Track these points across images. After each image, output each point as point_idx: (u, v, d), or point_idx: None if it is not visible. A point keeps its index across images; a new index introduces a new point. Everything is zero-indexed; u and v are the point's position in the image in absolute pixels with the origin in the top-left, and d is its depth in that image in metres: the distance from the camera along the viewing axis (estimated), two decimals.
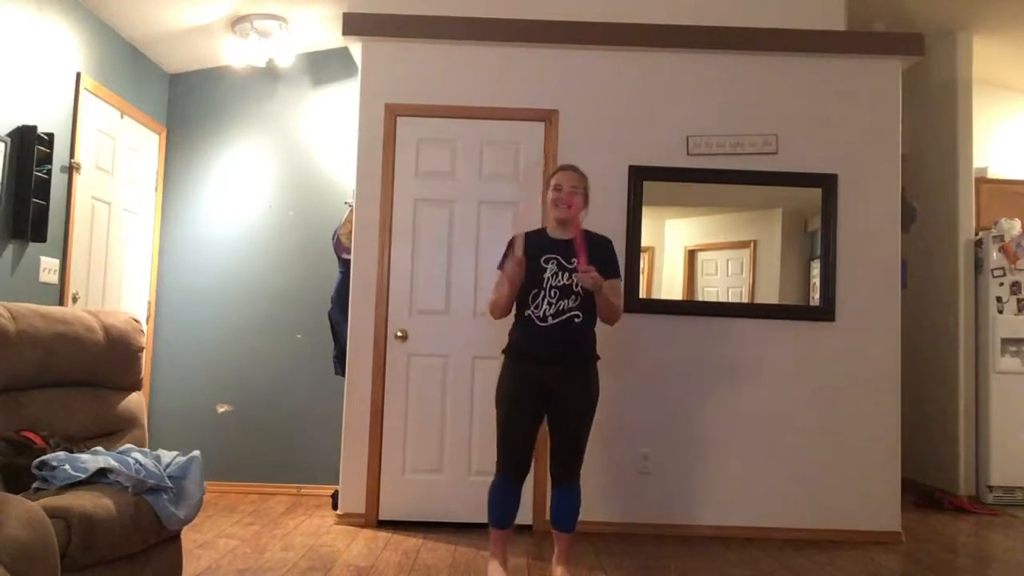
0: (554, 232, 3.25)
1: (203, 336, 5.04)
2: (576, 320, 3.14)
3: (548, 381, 3.15)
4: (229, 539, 3.81)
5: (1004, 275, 5.32)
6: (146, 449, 2.72)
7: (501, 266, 3.24)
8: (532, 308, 3.15)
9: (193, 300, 5.06)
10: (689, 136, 4.34)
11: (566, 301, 3.13)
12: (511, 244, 3.24)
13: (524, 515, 4.18)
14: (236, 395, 5.02)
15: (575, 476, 3.23)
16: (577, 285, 3.11)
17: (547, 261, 3.16)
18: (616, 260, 3.29)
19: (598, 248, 3.19)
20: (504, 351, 3.31)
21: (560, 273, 3.14)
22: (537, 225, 4.28)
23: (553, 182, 3.27)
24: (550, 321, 3.13)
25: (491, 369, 4.25)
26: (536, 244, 3.20)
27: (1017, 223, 5.36)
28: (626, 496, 4.22)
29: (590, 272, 3.02)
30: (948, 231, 5.54)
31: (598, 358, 3.27)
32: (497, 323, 4.26)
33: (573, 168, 3.32)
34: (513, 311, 3.27)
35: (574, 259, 3.09)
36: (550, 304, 3.13)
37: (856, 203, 4.34)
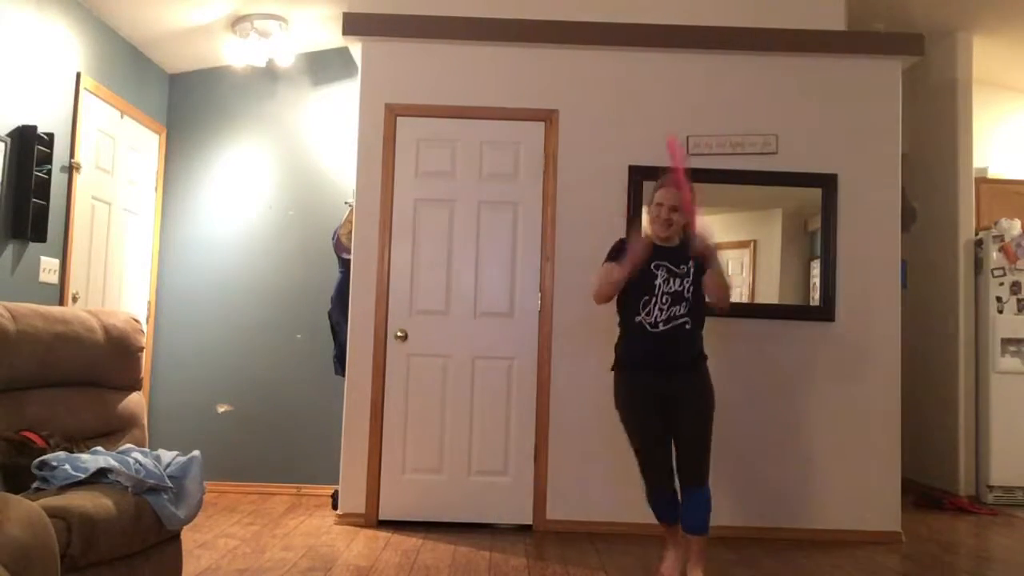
0: (660, 241, 3.24)
1: (203, 336, 5.04)
2: (687, 327, 3.16)
3: (663, 387, 3.16)
4: (229, 539, 3.81)
5: (1004, 275, 5.32)
6: (146, 449, 2.72)
7: (612, 258, 3.23)
8: (643, 315, 3.16)
9: (193, 300, 5.06)
10: (689, 136, 4.34)
11: (677, 307, 3.15)
12: (619, 247, 3.25)
13: (524, 515, 4.19)
14: (236, 395, 5.02)
15: (704, 479, 3.18)
16: (688, 291, 3.14)
17: (657, 268, 3.17)
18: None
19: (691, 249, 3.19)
20: (614, 366, 3.30)
21: (671, 279, 3.16)
22: (537, 226, 4.32)
23: (656, 198, 3.23)
24: (661, 327, 3.14)
25: (491, 369, 4.26)
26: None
27: (1017, 223, 5.36)
28: (627, 496, 4.21)
29: (702, 237, 3.08)
30: (948, 231, 5.54)
31: (706, 357, 3.27)
32: (498, 325, 4.29)
33: (671, 184, 3.22)
34: (618, 321, 3.28)
35: (683, 265, 3.15)
36: (661, 310, 3.14)
37: (856, 203, 4.34)
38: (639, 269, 3.14)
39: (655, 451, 3.22)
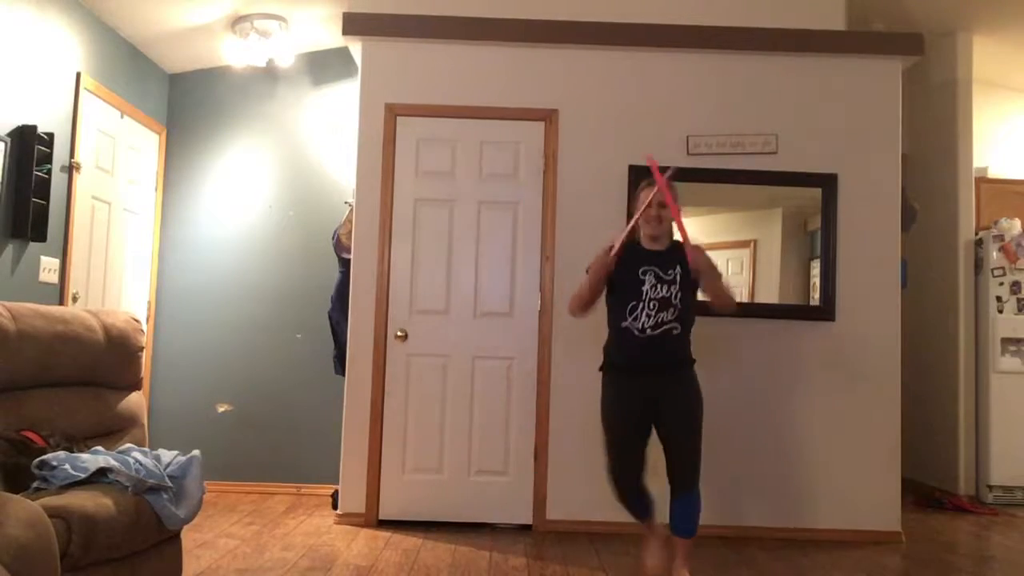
0: (649, 245, 3.24)
1: (203, 336, 5.04)
2: (674, 332, 3.15)
3: (651, 392, 3.16)
4: (229, 539, 3.81)
5: (1004, 275, 5.31)
6: (146, 449, 2.72)
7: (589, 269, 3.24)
8: (630, 320, 3.15)
9: (193, 300, 5.06)
10: (689, 136, 4.34)
11: (665, 313, 3.13)
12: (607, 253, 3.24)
13: (524, 515, 4.19)
14: (236, 395, 5.02)
15: (695, 483, 3.18)
16: (676, 297, 3.13)
17: (645, 273, 3.16)
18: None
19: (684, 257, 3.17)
20: (602, 368, 3.31)
21: (659, 285, 3.14)
22: (537, 226, 4.31)
23: (642, 197, 3.23)
24: (649, 332, 3.13)
25: (491, 369, 4.26)
26: (632, 255, 3.19)
27: (1017, 223, 5.36)
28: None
29: (699, 251, 3.14)
30: (948, 231, 5.54)
31: (694, 361, 3.26)
32: (498, 325, 4.29)
33: (655, 182, 3.22)
34: (607, 324, 3.28)
35: (671, 271, 3.13)
36: (649, 316, 3.13)
37: (856, 203, 4.34)
38: (627, 275, 3.14)
39: (630, 455, 3.21)
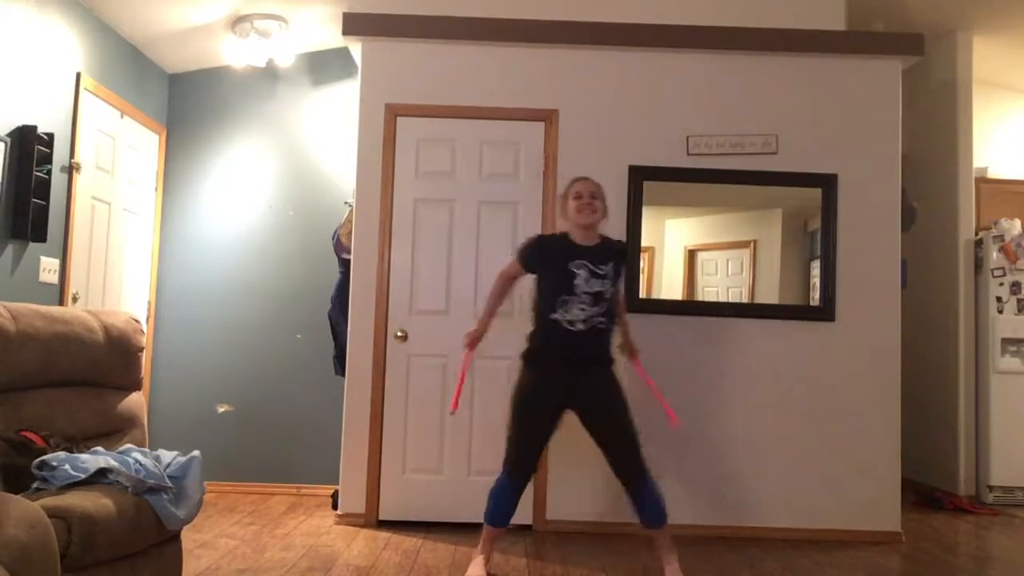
0: (580, 240, 3.27)
1: (203, 336, 5.04)
2: (601, 326, 3.20)
3: (573, 387, 3.18)
4: (229, 539, 3.81)
5: (1004, 275, 5.31)
6: (146, 449, 2.72)
7: (520, 258, 3.34)
8: (561, 312, 3.17)
9: (193, 300, 5.06)
10: (689, 136, 4.34)
11: (597, 307, 3.17)
12: (533, 244, 3.36)
13: (524, 515, 4.18)
14: (236, 395, 5.02)
15: (646, 471, 3.22)
16: (608, 292, 3.19)
17: (578, 268, 3.18)
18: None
19: (617, 255, 3.30)
20: (524, 355, 3.31)
21: (592, 280, 3.17)
22: (537, 226, 4.31)
23: (573, 191, 3.30)
24: (580, 327, 3.16)
25: (491, 369, 4.26)
26: (562, 249, 3.24)
27: (1017, 223, 5.36)
28: (627, 496, 4.21)
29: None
30: (948, 231, 5.54)
31: (613, 360, 3.33)
32: (498, 324, 4.27)
33: (588, 178, 3.38)
34: (532, 315, 3.32)
35: (603, 266, 3.18)
36: (582, 310, 3.16)
37: (856, 203, 4.34)
38: (558, 268, 3.20)
39: (535, 449, 3.25)
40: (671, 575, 3.25)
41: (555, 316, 3.17)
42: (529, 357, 3.29)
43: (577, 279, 3.16)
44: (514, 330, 4.25)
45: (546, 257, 3.27)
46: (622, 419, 3.21)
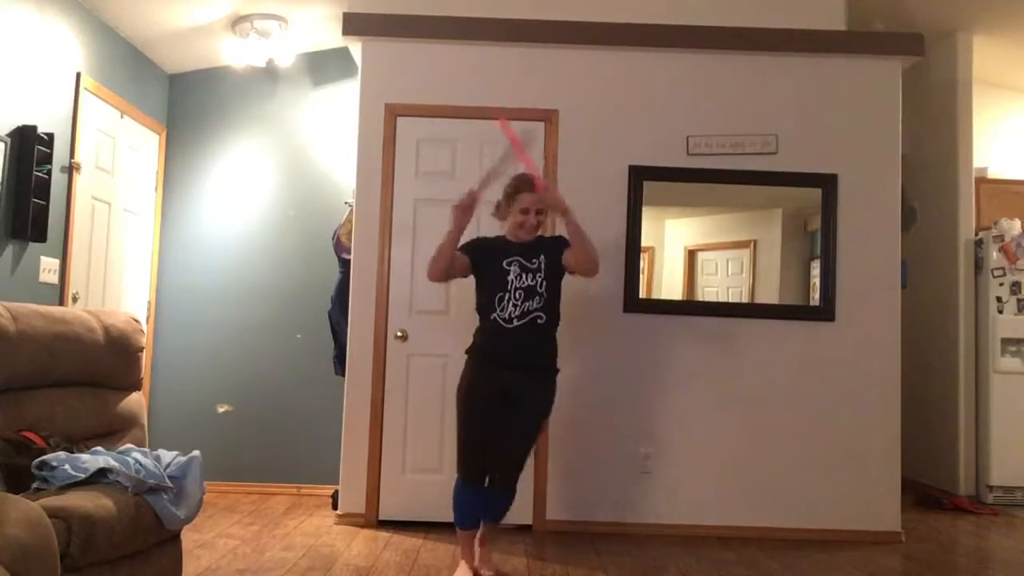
0: (515, 239, 3.30)
1: (203, 336, 5.04)
2: (539, 321, 3.20)
3: (510, 385, 3.19)
4: (229, 539, 3.81)
5: (1004, 275, 5.31)
6: (146, 449, 2.72)
7: (462, 248, 3.30)
8: (498, 310, 3.20)
9: (193, 300, 5.06)
10: (689, 136, 4.34)
11: (530, 302, 3.18)
12: (473, 240, 3.34)
13: (524, 515, 4.19)
14: (236, 395, 5.02)
15: (515, 482, 3.29)
16: (541, 286, 3.18)
17: (509, 264, 3.22)
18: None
19: (551, 245, 3.29)
20: (468, 352, 3.33)
21: (523, 274, 3.20)
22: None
23: (520, 204, 3.24)
24: (515, 323, 3.18)
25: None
26: (497, 248, 3.28)
27: (1017, 223, 5.36)
28: (627, 496, 4.22)
29: (550, 190, 3.23)
30: (948, 231, 5.54)
31: (558, 371, 3.32)
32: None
33: (534, 180, 3.27)
34: (478, 315, 3.32)
35: (535, 259, 3.20)
36: (515, 306, 3.18)
37: (856, 203, 4.34)
38: (492, 267, 3.20)
39: (483, 447, 3.23)
40: (482, 565, 3.31)
41: (494, 315, 3.21)
42: (472, 353, 3.32)
43: (510, 275, 3.20)
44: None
45: (483, 255, 3.27)
46: (529, 432, 3.25)
